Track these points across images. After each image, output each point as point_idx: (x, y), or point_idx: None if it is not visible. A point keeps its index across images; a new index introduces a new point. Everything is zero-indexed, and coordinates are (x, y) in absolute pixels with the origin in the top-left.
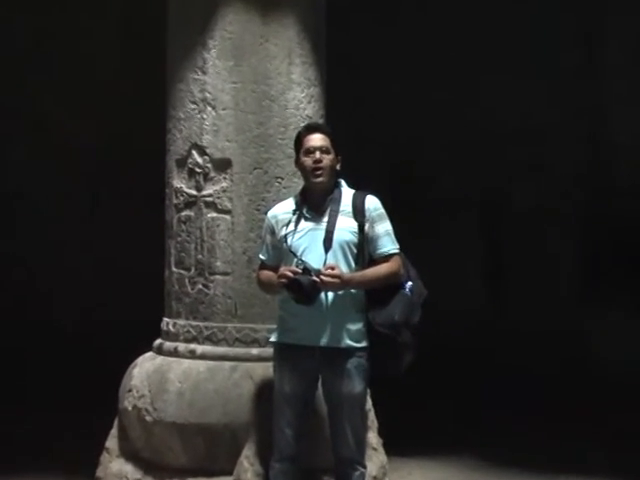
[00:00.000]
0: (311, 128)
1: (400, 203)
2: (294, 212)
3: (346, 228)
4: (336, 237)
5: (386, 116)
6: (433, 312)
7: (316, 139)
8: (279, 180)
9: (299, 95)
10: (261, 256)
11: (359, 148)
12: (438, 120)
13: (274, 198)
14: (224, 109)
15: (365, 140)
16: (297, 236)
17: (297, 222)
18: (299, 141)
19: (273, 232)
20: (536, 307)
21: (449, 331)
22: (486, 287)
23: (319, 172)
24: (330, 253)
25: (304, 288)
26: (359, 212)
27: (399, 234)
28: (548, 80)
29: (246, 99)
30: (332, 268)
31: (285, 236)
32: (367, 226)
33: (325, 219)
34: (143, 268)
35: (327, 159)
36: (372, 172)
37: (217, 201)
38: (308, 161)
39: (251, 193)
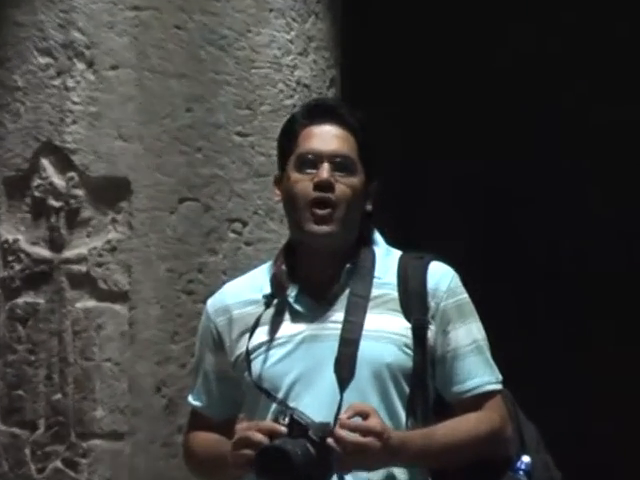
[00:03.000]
0: (318, 109)
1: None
2: (268, 300)
3: (386, 336)
4: (364, 356)
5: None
6: None
7: (326, 136)
8: (236, 226)
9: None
10: (193, 400)
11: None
12: None
13: (225, 268)
14: (114, 69)
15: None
16: (275, 355)
17: (275, 323)
18: (290, 137)
19: (220, 346)
20: None
21: None
22: None
23: (324, 212)
24: (351, 391)
25: (294, 466)
26: (415, 299)
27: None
28: None
29: (165, 47)
30: (362, 415)
31: (247, 356)
32: (434, 330)
33: (337, 315)
34: None
35: (345, 184)
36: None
37: (97, 272)
38: (303, 183)
39: (173, 255)
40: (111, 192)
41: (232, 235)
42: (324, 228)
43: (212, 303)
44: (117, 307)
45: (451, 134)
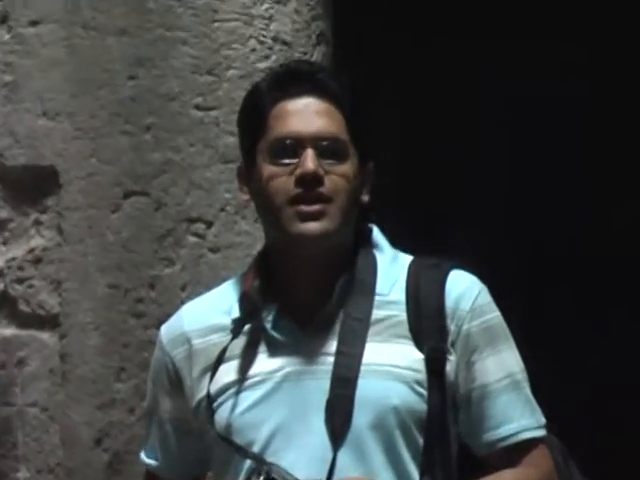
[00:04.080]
0: (291, 77)
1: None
2: (236, 327)
3: (392, 371)
4: (364, 399)
5: None
6: None
7: (306, 113)
8: (198, 227)
9: None
10: (146, 458)
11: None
12: None
13: (184, 283)
14: (34, 25)
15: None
16: (248, 398)
17: (247, 356)
18: (256, 117)
19: (178, 387)
20: None
21: None
22: None
23: (314, 208)
24: (347, 446)
25: None
26: (429, 321)
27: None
28: None
29: None
30: None
31: (209, 402)
32: (455, 362)
33: (328, 344)
34: None
35: (337, 174)
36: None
37: (18, 290)
38: (280, 179)
39: (116, 266)
40: (34, 186)
41: (192, 239)
42: (315, 226)
43: (167, 330)
44: (44, 336)
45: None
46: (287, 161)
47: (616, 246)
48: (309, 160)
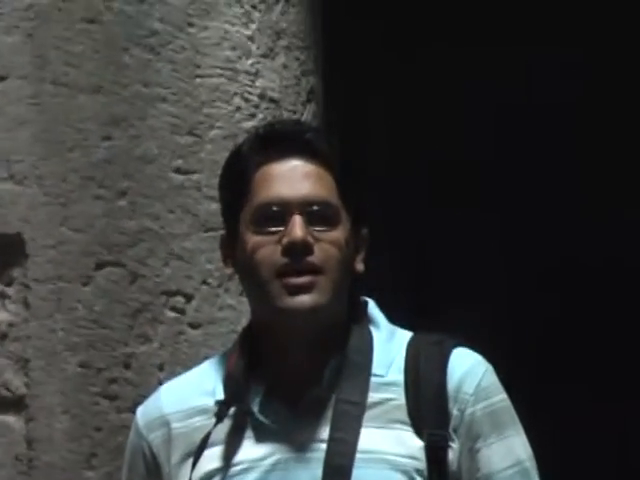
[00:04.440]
0: (275, 138)
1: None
2: (220, 410)
3: (389, 460)
4: None
5: None
6: None
7: (293, 176)
8: (177, 301)
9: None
10: None
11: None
12: None
13: (162, 362)
14: (1, 80)
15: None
16: None
17: (232, 442)
18: (239, 182)
19: (155, 475)
20: None
21: None
22: None
23: (302, 280)
24: None
25: None
26: (430, 405)
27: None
28: None
29: (72, 50)
30: None
31: None
32: (457, 449)
33: (320, 430)
34: None
35: (328, 242)
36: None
37: None
38: (266, 249)
39: (87, 344)
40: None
41: (171, 314)
42: (305, 300)
43: (144, 412)
44: (9, 419)
45: None
46: (273, 229)
47: None
48: (297, 227)
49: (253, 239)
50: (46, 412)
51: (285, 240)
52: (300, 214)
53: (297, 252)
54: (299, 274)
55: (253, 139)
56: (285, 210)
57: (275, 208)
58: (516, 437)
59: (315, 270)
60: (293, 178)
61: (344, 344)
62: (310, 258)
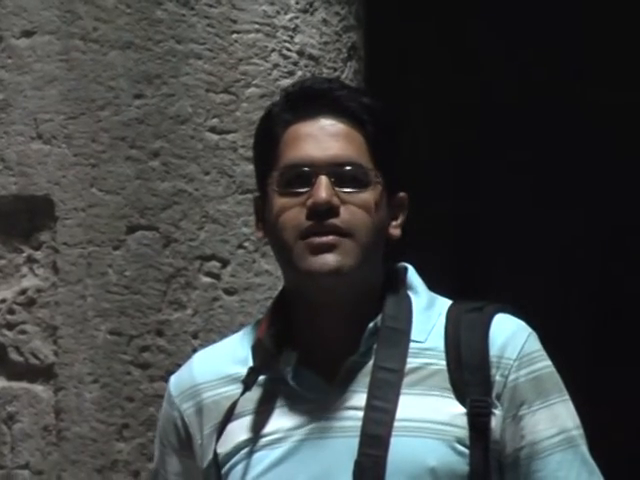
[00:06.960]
0: (305, 97)
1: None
2: (248, 378)
3: (429, 428)
4: (397, 460)
5: None
6: None
7: (320, 136)
8: (212, 266)
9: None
10: None
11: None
12: None
13: (196, 330)
14: (28, 35)
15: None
16: (264, 460)
17: (262, 412)
18: (268, 143)
19: (187, 446)
20: None
21: None
22: None
23: (325, 239)
24: None
25: None
26: (472, 371)
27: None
28: None
29: (103, 4)
30: None
31: (217, 465)
32: (500, 417)
33: (356, 398)
34: None
35: (355, 204)
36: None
37: (8, 337)
38: (291, 211)
39: (118, 310)
40: (26, 218)
41: (206, 280)
42: (328, 259)
43: (177, 382)
44: (37, 388)
45: None
46: (299, 190)
47: None
48: (322, 188)
49: (280, 201)
50: (75, 381)
51: (310, 202)
52: (327, 175)
53: (321, 214)
54: (323, 234)
55: (282, 98)
56: (312, 171)
57: (302, 169)
58: (561, 404)
59: (340, 233)
60: (321, 138)
61: (381, 311)
62: (334, 220)
